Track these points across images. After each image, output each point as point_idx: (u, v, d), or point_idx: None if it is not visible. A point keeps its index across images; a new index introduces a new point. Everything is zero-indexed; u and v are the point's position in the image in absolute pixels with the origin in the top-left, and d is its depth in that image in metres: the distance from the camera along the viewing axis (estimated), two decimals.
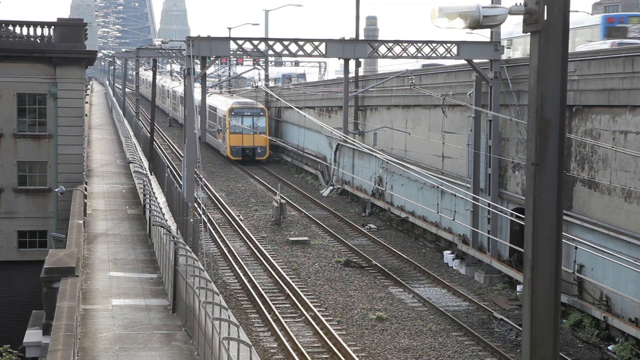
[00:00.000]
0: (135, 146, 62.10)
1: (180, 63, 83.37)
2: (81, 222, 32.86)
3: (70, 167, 41.29)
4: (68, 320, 19.68)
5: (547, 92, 8.23)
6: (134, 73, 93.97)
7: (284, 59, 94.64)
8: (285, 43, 39.31)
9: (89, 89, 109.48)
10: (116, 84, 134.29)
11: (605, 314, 29.96)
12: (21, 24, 41.88)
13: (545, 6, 8.11)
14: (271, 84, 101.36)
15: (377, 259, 40.38)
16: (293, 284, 35.26)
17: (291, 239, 44.35)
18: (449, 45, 39.27)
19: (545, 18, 8.14)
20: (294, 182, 64.72)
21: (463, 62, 40.66)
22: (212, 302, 20.18)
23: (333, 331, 29.27)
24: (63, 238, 31.64)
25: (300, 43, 39.32)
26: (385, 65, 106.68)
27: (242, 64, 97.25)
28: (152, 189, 39.08)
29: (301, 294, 33.85)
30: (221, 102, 78.95)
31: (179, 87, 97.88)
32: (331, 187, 60.92)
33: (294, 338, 28.76)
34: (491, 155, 38.88)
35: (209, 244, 42.06)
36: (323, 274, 37.79)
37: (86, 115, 61.43)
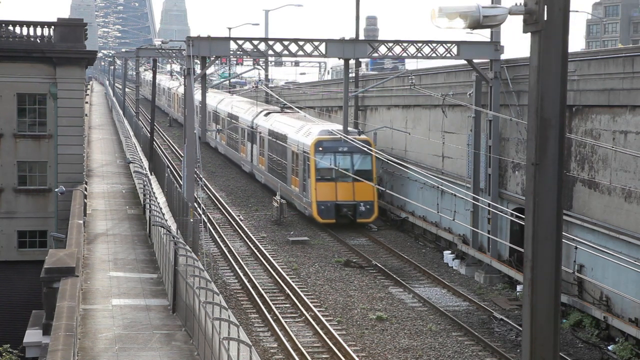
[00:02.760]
0: (135, 146, 62.12)
1: (180, 63, 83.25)
2: (81, 222, 32.86)
3: (70, 167, 41.29)
4: (68, 320, 19.67)
5: (547, 92, 8.23)
6: (134, 73, 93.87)
7: (284, 59, 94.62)
8: (285, 43, 39.32)
9: (89, 89, 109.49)
10: (116, 84, 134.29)
11: (605, 314, 29.96)
12: (21, 24, 41.88)
13: (545, 6, 8.12)
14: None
15: (377, 259, 40.37)
16: (293, 284, 35.26)
17: (291, 239, 44.35)
18: (449, 45, 39.27)
19: (545, 18, 8.14)
20: None
21: (463, 62, 40.66)
22: (212, 302, 20.18)
23: (333, 331, 29.27)
24: (63, 238, 31.64)
25: (300, 43, 39.32)
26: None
27: (242, 64, 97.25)
28: (152, 189, 39.08)
29: (301, 294, 33.85)
30: (294, 128, 52.33)
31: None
32: None
33: (294, 338, 28.76)
34: (491, 155, 38.87)
35: (209, 244, 42.05)
36: (323, 274, 37.79)
37: (86, 115, 61.44)
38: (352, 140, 41.59)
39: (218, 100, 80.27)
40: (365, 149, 41.80)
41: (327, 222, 46.45)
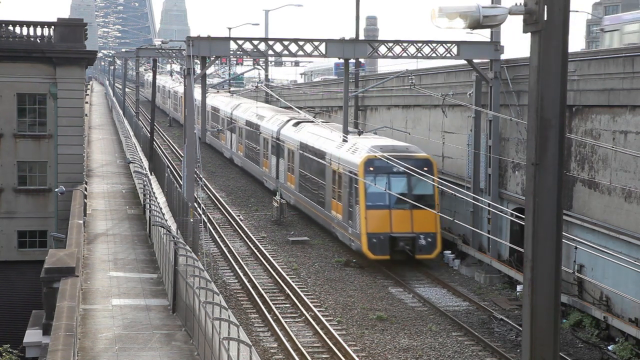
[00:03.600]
0: (135, 146, 62.11)
1: (180, 63, 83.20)
2: (81, 222, 32.86)
3: (70, 167, 41.30)
4: (68, 320, 19.67)
5: (547, 92, 8.23)
6: (134, 73, 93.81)
7: (284, 59, 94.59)
8: (285, 43, 39.32)
9: (89, 89, 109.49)
10: (116, 84, 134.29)
11: (605, 314, 29.96)
12: (21, 24, 41.89)
13: (545, 6, 8.12)
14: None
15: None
16: (293, 284, 35.26)
17: (291, 239, 44.35)
18: (449, 45, 39.27)
19: (545, 18, 8.14)
20: None
21: (463, 62, 40.66)
22: (212, 302, 20.18)
23: (333, 331, 29.27)
24: (63, 238, 31.65)
25: (300, 43, 39.32)
26: (385, 65, 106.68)
27: (242, 64, 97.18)
28: (152, 189, 39.09)
29: (301, 294, 33.85)
30: (334, 143, 43.57)
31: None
32: None
33: (294, 338, 28.76)
34: (491, 155, 38.88)
35: (209, 244, 42.06)
36: (323, 274, 37.79)
37: (86, 115, 61.45)
38: (409, 158, 37.58)
39: (233, 106, 71.74)
40: (424, 168, 37.69)
41: (379, 258, 38.33)
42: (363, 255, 38.73)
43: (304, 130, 49.97)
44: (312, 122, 51.53)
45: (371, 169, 38.89)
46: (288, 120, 53.82)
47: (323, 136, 45.78)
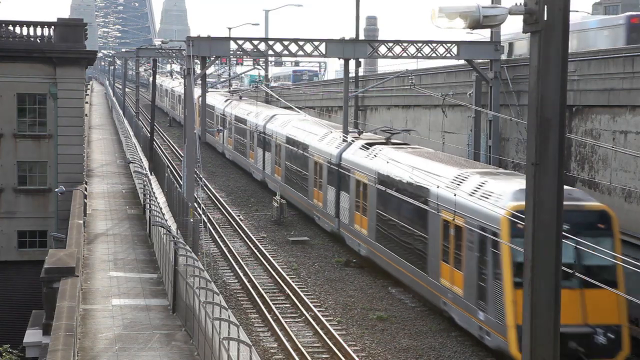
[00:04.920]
0: (135, 146, 62.12)
1: (180, 63, 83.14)
2: (81, 222, 32.88)
3: (70, 167, 41.32)
4: (68, 320, 19.68)
5: (547, 92, 8.24)
6: (134, 73, 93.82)
7: (284, 59, 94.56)
8: (285, 43, 39.33)
9: (89, 89, 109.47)
10: (116, 84, 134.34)
11: None
12: (21, 24, 41.92)
13: (545, 6, 8.12)
14: (274, 83, 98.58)
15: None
16: (293, 284, 35.26)
17: (291, 239, 44.33)
18: (449, 45, 39.29)
19: (545, 18, 8.14)
20: None
21: (463, 62, 40.69)
22: (212, 302, 20.19)
23: (333, 331, 29.26)
24: (63, 238, 31.67)
25: (300, 43, 39.33)
26: (385, 65, 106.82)
27: (242, 64, 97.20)
28: (152, 189, 39.10)
29: (301, 294, 33.84)
30: (445, 180, 30.04)
31: (223, 105, 73.31)
32: None
33: (294, 338, 28.76)
34: (491, 155, 38.89)
35: (209, 244, 42.05)
36: (323, 274, 37.79)
37: (86, 115, 61.47)
38: (575, 210, 24.96)
39: (266, 118, 57.94)
40: (600, 226, 25.47)
41: None
42: (504, 356, 25.33)
43: (383, 156, 36.19)
44: (385, 143, 39.14)
45: (520, 227, 24.05)
46: (352, 142, 41.07)
47: (419, 167, 32.26)
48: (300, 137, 48.57)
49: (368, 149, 38.79)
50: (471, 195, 27.70)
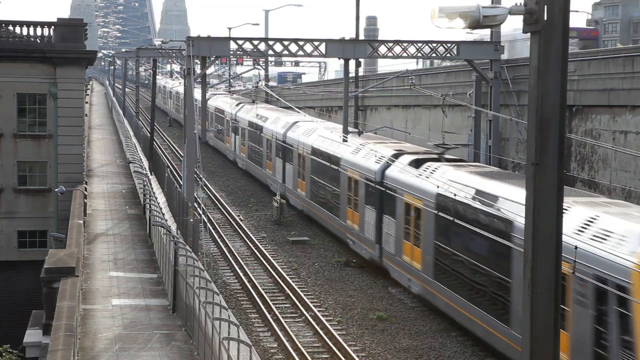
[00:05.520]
0: (135, 146, 62.13)
1: (180, 63, 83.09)
2: (81, 222, 32.88)
3: (70, 167, 41.33)
4: (68, 320, 19.69)
5: (547, 92, 8.23)
6: (135, 73, 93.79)
7: (284, 59, 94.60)
8: (285, 43, 39.33)
9: (89, 89, 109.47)
10: (116, 84, 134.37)
11: None
12: (21, 24, 41.93)
13: (545, 6, 8.12)
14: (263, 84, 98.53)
15: None
16: (293, 284, 35.26)
17: (291, 239, 44.33)
18: (449, 45, 39.29)
19: (545, 18, 8.14)
20: None
21: (463, 62, 40.70)
22: (212, 302, 20.19)
23: (333, 331, 29.27)
24: (63, 238, 31.67)
25: (300, 43, 39.33)
26: (385, 65, 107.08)
27: (242, 64, 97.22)
28: (152, 189, 39.10)
29: (301, 294, 33.85)
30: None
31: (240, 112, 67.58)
32: None
33: (294, 338, 28.76)
34: (491, 155, 38.89)
35: (209, 244, 42.06)
36: (323, 274, 37.79)
37: (86, 115, 61.47)
38: None
39: (285, 125, 53.21)
40: None
41: None
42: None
43: (439, 176, 30.83)
44: (437, 159, 33.82)
45: None
46: (394, 159, 35.12)
47: (493, 191, 26.74)
48: (329, 149, 42.92)
49: (419, 166, 33.01)
50: (578, 233, 21.45)
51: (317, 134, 46.48)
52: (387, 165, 35.27)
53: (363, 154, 38.53)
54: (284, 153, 51.91)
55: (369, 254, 37.20)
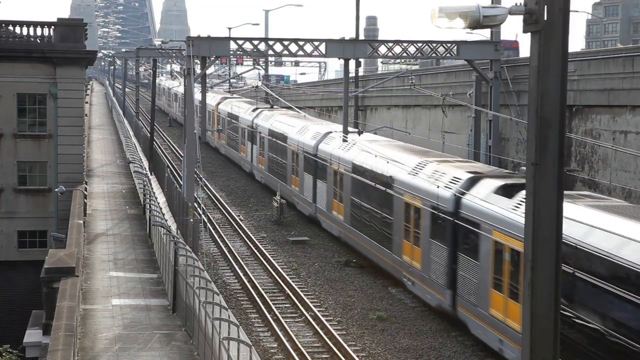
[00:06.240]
0: (135, 146, 62.13)
1: (180, 63, 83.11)
2: (81, 222, 32.88)
3: (70, 167, 41.33)
4: (68, 320, 19.68)
5: (547, 92, 8.23)
6: (135, 73, 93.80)
7: (284, 59, 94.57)
8: (285, 43, 39.33)
9: (89, 89, 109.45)
10: (116, 84, 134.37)
11: None
12: (21, 24, 41.92)
13: (545, 6, 8.12)
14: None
15: None
16: (293, 284, 35.25)
17: (291, 239, 44.32)
18: (449, 45, 39.29)
19: (545, 18, 8.14)
20: None
21: (463, 62, 40.70)
22: (212, 302, 20.19)
23: (333, 331, 29.26)
24: (63, 238, 31.67)
25: (300, 43, 39.33)
26: (385, 65, 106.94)
27: (242, 64, 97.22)
28: (152, 189, 39.10)
29: (301, 294, 33.84)
30: None
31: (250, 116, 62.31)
32: None
33: (294, 338, 28.75)
34: (491, 155, 38.88)
35: (209, 244, 42.05)
36: (323, 274, 37.78)
37: (86, 115, 61.47)
38: None
39: (316, 135, 46.74)
40: None
41: None
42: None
43: (517, 198, 25.00)
44: (521, 185, 25.52)
45: None
46: (472, 181, 28.73)
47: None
48: (377, 167, 35.80)
49: (509, 195, 25.70)
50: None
51: (358, 147, 39.52)
52: (462, 192, 28.29)
53: (426, 175, 31.43)
54: (315, 168, 45.37)
55: (436, 301, 30.44)
